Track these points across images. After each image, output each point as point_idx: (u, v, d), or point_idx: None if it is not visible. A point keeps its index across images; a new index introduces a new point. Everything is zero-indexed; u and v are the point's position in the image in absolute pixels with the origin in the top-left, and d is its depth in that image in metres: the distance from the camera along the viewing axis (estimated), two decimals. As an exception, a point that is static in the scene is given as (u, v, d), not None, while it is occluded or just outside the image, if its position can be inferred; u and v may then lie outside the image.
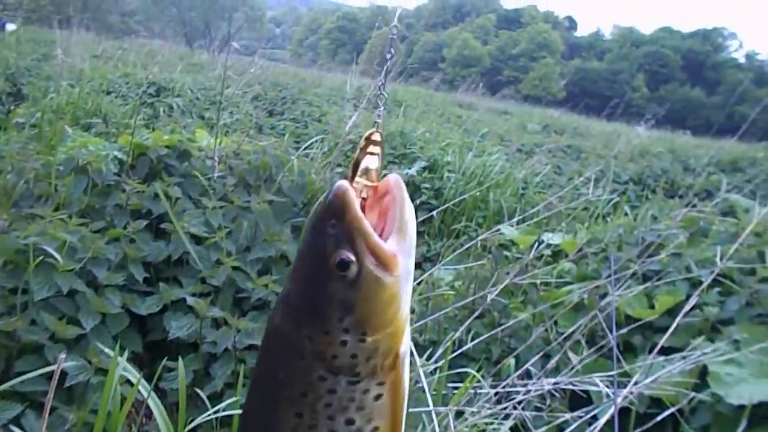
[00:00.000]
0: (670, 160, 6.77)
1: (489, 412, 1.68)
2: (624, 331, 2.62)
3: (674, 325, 2.67)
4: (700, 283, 2.86)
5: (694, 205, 3.55)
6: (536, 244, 3.83)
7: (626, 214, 4.20)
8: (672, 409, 2.17)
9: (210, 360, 2.25)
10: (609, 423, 1.92)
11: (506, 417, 2.01)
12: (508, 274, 2.74)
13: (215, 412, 1.70)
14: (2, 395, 1.65)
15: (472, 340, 2.75)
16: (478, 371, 2.23)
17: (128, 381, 1.83)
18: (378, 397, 0.60)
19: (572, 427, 1.88)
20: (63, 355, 1.11)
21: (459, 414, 1.83)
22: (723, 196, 3.90)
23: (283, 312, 0.62)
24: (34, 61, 8.33)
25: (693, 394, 2.31)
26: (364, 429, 0.60)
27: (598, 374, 2.32)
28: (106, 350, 1.79)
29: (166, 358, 2.07)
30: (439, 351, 2.22)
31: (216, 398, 2.05)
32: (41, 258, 2.03)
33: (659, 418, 2.16)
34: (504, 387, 2.06)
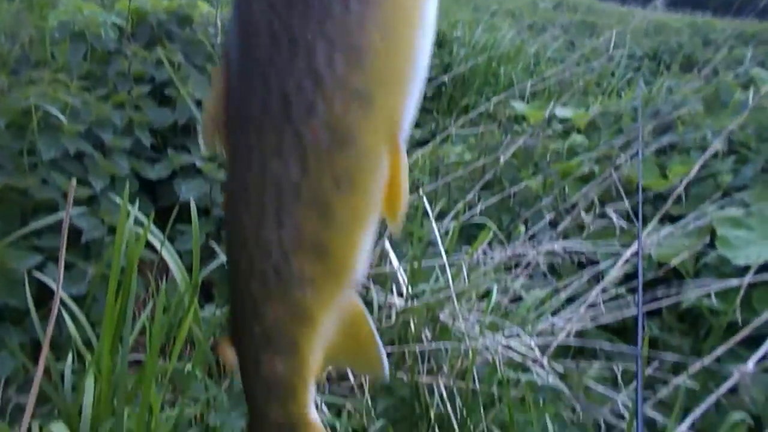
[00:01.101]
0: (689, 34, 6.49)
1: (500, 260, 1.70)
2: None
3: (686, 194, 2.66)
4: (717, 154, 2.81)
5: (714, 77, 3.43)
6: (547, 119, 3.76)
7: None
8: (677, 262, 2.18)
9: (221, 224, 2.26)
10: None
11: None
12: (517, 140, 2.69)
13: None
14: (23, 248, 1.66)
15: (482, 208, 2.75)
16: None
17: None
18: None
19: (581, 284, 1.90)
20: (74, 182, 1.08)
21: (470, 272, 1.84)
22: (745, 68, 3.75)
23: None
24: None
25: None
26: None
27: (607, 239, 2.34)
28: (117, 200, 1.78)
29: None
30: (451, 213, 2.22)
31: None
32: (45, 119, 1.99)
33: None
34: (514, 250, 2.06)
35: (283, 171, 0.49)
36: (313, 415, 0.59)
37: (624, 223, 2.24)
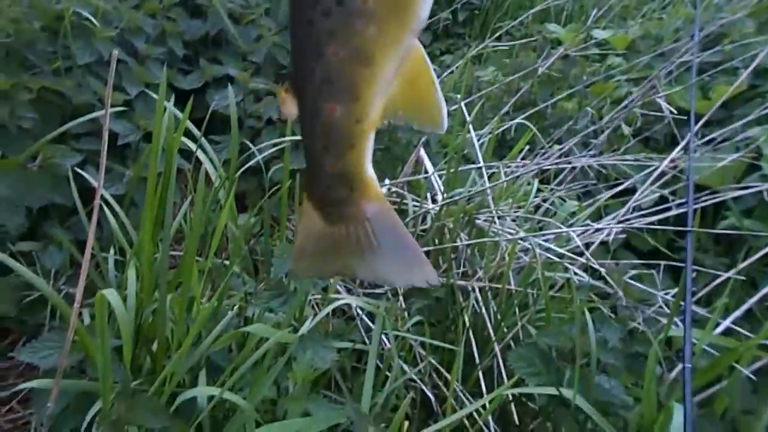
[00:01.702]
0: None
1: (539, 167, 1.67)
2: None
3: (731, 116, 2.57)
4: (766, 72, 2.69)
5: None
6: (584, 42, 3.63)
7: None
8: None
9: (255, 135, 2.26)
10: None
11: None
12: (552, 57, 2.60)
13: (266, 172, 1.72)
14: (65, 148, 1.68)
15: (516, 130, 2.70)
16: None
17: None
18: None
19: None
20: (110, 86, 1.07)
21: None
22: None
23: None
24: None
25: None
26: None
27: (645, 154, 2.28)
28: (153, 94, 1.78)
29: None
30: (487, 128, 2.18)
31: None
32: (77, 24, 1.97)
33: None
34: (552, 160, 2.02)
35: None
36: (369, 170, 0.57)
37: (662, 144, 2.17)
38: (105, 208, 1.55)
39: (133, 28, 2.17)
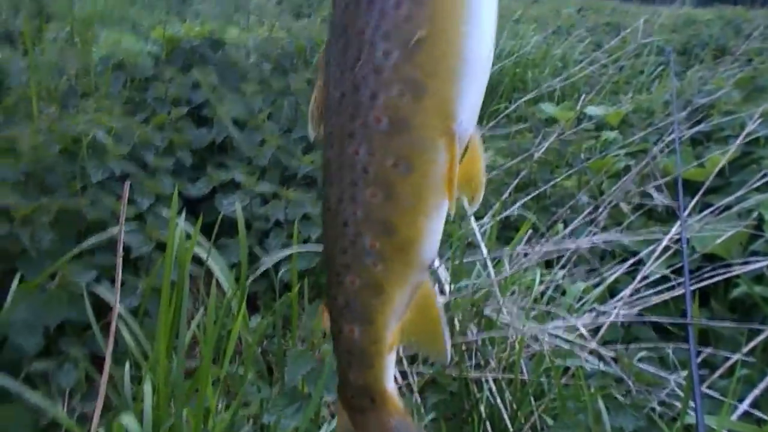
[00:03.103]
0: (720, 25, 6.40)
1: (541, 254, 1.70)
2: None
3: (727, 182, 2.61)
4: (757, 140, 2.75)
5: (749, 63, 3.37)
6: (578, 119, 3.75)
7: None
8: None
9: (263, 236, 2.32)
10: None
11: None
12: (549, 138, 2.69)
13: (276, 273, 1.76)
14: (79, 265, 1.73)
15: (518, 208, 2.75)
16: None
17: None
18: None
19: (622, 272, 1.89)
20: (125, 202, 1.14)
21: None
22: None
23: None
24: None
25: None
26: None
27: (647, 230, 2.31)
28: (164, 213, 1.85)
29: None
30: (489, 214, 2.23)
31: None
32: (93, 144, 2.08)
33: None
34: (554, 243, 2.06)
35: (354, 152, 0.56)
36: (390, 384, 0.65)
37: (663, 214, 2.20)
38: (119, 323, 1.59)
39: (144, 142, 2.28)
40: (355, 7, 0.54)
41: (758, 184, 2.32)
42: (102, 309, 1.77)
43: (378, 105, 0.54)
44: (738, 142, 2.33)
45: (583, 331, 1.38)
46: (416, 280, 0.61)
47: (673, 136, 2.25)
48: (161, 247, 1.99)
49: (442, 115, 0.55)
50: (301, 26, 3.27)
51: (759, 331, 1.80)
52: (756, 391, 1.28)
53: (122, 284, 1.89)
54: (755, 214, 2.28)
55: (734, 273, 1.73)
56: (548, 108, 4.02)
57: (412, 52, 0.53)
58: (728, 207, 2.41)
